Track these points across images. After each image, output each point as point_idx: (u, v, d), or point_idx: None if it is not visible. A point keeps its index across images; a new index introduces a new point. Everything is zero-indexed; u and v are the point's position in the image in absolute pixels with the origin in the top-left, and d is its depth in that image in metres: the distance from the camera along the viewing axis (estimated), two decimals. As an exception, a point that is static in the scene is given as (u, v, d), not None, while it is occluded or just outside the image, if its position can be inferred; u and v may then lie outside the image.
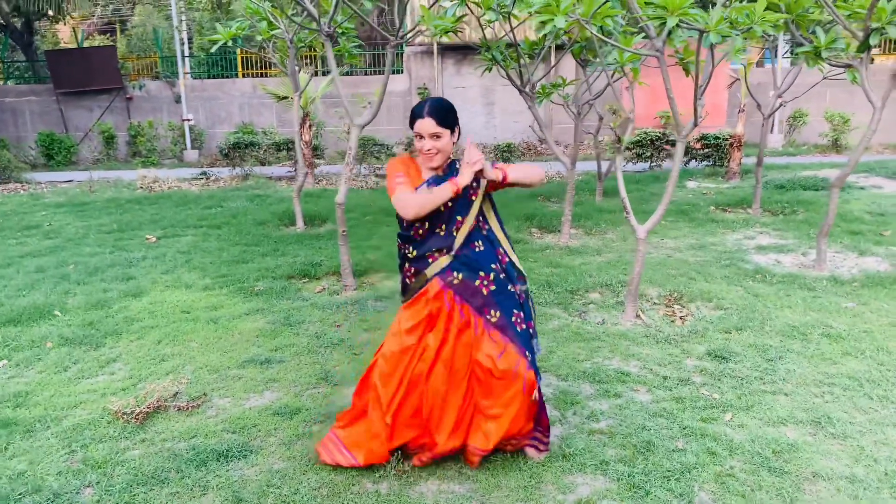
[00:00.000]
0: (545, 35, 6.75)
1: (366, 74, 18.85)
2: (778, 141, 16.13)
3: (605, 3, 4.87)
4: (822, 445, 3.15)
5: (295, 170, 13.40)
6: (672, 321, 4.86)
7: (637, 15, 4.42)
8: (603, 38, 4.67)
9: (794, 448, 3.12)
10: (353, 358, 4.28)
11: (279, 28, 7.69)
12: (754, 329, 4.59)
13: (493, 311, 2.93)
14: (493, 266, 2.97)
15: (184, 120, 17.19)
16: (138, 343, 4.62)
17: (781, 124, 16.48)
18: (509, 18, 6.25)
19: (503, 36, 7.07)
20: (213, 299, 5.52)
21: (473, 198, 2.99)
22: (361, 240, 7.54)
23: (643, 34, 5.61)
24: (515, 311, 2.98)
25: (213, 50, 7.22)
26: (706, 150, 12.62)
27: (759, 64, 15.89)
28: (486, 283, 2.94)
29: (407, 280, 3.07)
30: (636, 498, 2.78)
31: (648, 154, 12.74)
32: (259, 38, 7.64)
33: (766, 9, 4.42)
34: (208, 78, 18.89)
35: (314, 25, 6.06)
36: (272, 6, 7.77)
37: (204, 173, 13.16)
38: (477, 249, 2.99)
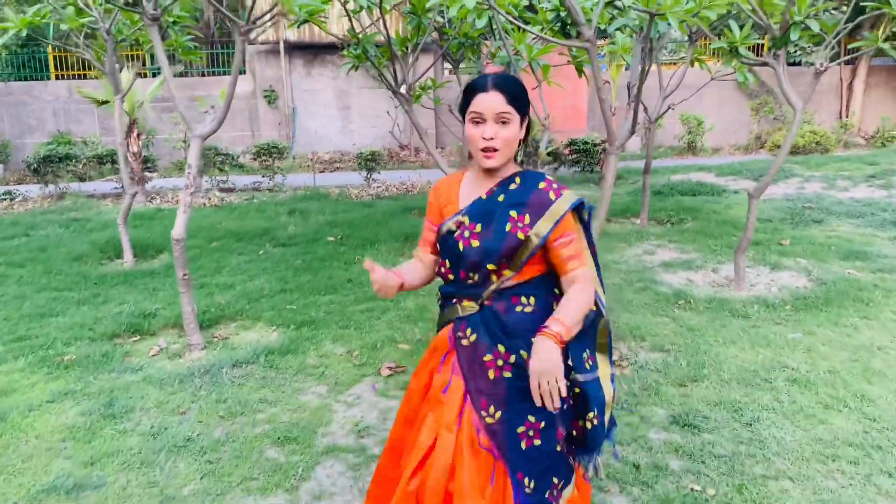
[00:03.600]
0: (418, 29, 5.79)
1: (204, 76, 17.02)
2: (636, 144, 16.13)
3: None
4: (877, 568, 2.34)
5: (122, 186, 11.54)
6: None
7: (568, 3, 3.49)
8: (522, 25, 3.71)
9: (846, 578, 2.28)
10: (207, 470, 3.03)
11: (92, 16, 6.17)
12: (711, 378, 3.81)
13: (491, 409, 1.97)
14: (527, 343, 1.92)
15: (-18, 129, 14.61)
16: None
17: (638, 128, 16.53)
18: (380, 7, 5.20)
19: (368, 27, 5.97)
20: (3, 379, 4.01)
21: (512, 243, 1.96)
22: (208, 275, 6.16)
23: (541, 27, 4.75)
24: (531, 418, 1.94)
25: (1, 41, 5.64)
26: (575, 156, 12.16)
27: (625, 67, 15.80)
28: (500, 362, 1.97)
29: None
30: None
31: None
32: (64, 26, 6.07)
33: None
34: (13, 80, 16.27)
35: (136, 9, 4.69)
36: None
37: (8, 193, 10.99)
38: (519, 309, 2.00)
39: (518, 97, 1.99)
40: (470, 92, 2.01)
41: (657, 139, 16.74)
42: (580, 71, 5.18)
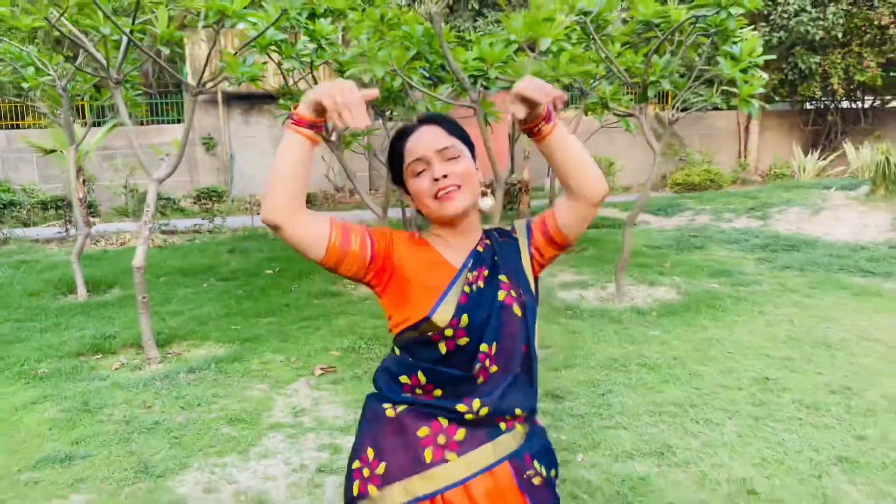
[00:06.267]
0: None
1: (143, 124, 17.62)
2: (556, 185, 17.41)
3: (414, 55, 4.93)
4: (668, 475, 3.28)
5: (67, 230, 12.07)
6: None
7: (453, 69, 4.48)
8: (420, 88, 4.68)
9: (645, 482, 3.22)
10: (173, 442, 3.79)
11: (50, 75, 6.90)
12: (580, 365, 4.76)
13: None
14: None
15: (-81, 178, 14.83)
16: None
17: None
18: (311, 67, 6.12)
19: (289, 80, 6.83)
20: (-16, 389, 4.67)
21: (535, 291, 1.74)
22: (158, 304, 6.85)
23: (450, 86, 5.74)
24: None
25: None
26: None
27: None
28: (553, 484, 1.73)
29: (427, 455, 1.62)
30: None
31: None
32: (25, 85, 6.79)
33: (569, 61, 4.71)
34: (-51, 130, 16.54)
35: (102, 73, 5.49)
36: (38, 51, 6.97)
37: (-50, 239, 11.37)
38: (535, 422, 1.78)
39: (457, 128, 1.68)
40: (400, 138, 1.66)
41: (575, 179, 18.11)
42: (486, 121, 6.18)
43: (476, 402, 1.60)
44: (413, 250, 1.67)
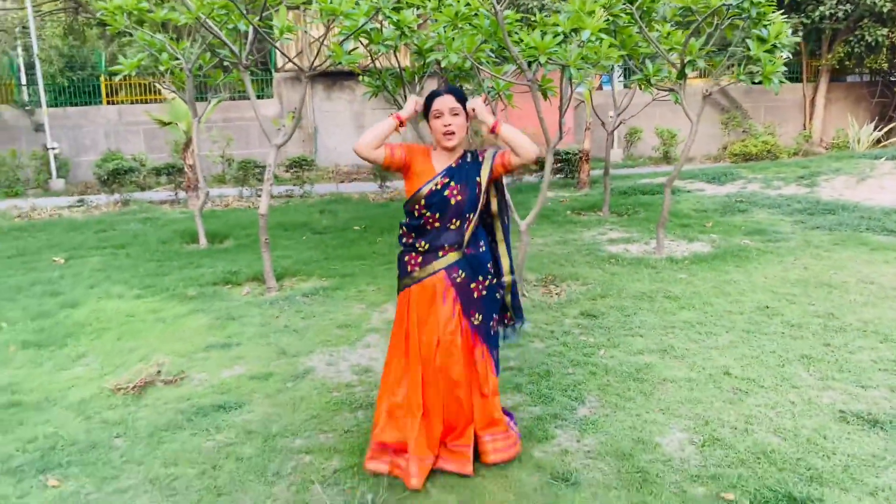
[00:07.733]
0: (424, 64, 7.87)
1: (233, 99, 19.27)
2: (618, 155, 18.21)
3: (483, 42, 6.03)
4: (668, 363, 4.38)
5: (176, 193, 13.74)
6: (550, 296, 6.04)
7: (513, 55, 5.57)
8: (487, 69, 5.80)
9: (649, 367, 4.33)
10: (300, 338, 5.10)
11: (179, 59, 8.30)
12: (613, 296, 5.86)
13: (477, 315, 3.18)
14: (489, 268, 3.22)
15: (48, 149, 16.86)
16: (99, 341, 5.18)
17: (620, 140, 18.63)
18: (395, 51, 7.29)
19: (375, 61, 8.01)
20: (151, 305, 6.10)
21: (479, 192, 3.12)
22: (268, 251, 8.24)
23: (513, 65, 6.82)
24: (495, 315, 3.26)
25: (116, 79, 7.80)
26: (559, 164, 14.24)
27: (598, 88, 17.92)
28: (480, 287, 3.18)
29: (409, 268, 3.18)
30: (545, 403, 3.86)
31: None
32: (161, 67, 8.22)
33: (609, 46, 5.73)
34: (69, 105, 18.56)
35: (233, 59, 6.80)
36: (169, 38, 8.37)
37: (81, 201, 13.17)
38: (481, 249, 3.20)
39: (462, 98, 3.08)
40: (431, 98, 3.10)
41: (638, 150, 18.85)
42: (545, 95, 7.22)
43: (423, 242, 3.16)
44: (420, 158, 3.17)
